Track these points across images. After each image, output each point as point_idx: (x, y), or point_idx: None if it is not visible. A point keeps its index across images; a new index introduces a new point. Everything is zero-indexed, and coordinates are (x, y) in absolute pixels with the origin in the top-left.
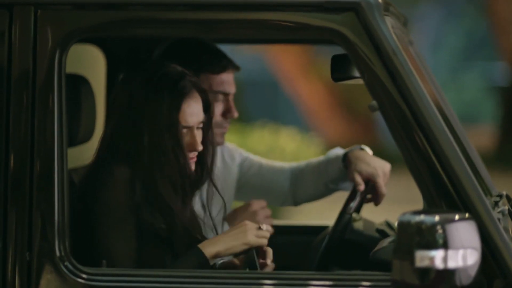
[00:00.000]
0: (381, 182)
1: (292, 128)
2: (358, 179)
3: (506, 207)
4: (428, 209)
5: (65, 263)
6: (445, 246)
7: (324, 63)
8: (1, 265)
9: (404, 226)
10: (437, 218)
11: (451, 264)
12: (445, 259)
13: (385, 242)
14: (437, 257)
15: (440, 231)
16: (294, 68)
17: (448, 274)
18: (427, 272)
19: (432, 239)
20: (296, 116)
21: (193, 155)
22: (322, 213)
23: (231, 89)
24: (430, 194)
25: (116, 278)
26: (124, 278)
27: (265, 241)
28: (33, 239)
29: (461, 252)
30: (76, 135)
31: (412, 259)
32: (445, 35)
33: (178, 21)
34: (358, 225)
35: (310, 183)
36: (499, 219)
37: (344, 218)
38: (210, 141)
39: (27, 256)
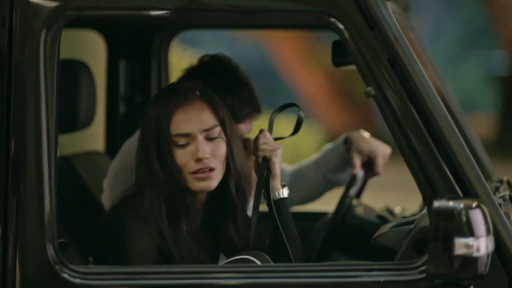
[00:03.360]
0: (380, 161)
1: (291, 116)
2: (358, 160)
3: (507, 193)
4: (453, 196)
5: (55, 257)
6: (483, 233)
7: (323, 51)
8: (1, 253)
9: (442, 214)
10: (474, 205)
11: (483, 251)
12: (481, 246)
13: (386, 228)
14: (474, 245)
15: (479, 218)
16: (293, 55)
17: (482, 261)
18: (466, 260)
19: (469, 226)
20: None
21: (201, 166)
22: (320, 199)
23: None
24: (429, 180)
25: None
26: (110, 276)
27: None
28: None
29: (487, 239)
30: (76, 120)
31: (450, 247)
32: (444, 23)
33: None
34: (358, 210)
35: (308, 179)
36: (500, 205)
37: (345, 203)
38: (233, 156)
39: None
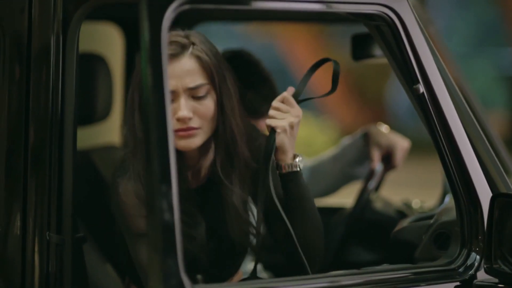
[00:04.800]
0: (399, 155)
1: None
2: (377, 154)
3: None
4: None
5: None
6: None
7: (336, 47)
8: (21, 244)
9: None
10: None
11: None
12: None
13: (406, 222)
14: None
15: None
16: (305, 52)
17: None
18: None
19: None
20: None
21: (182, 126)
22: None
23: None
24: (454, 174)
25: None
26: None
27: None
28: (52, 219)
29: None
30: (92, 114)
31: None
32: (456, 20)
33: None
34: (377, 204)
35: (326, 173)
36: None
37: (364, 197)
38: (224, 117)
39: (47, 236)
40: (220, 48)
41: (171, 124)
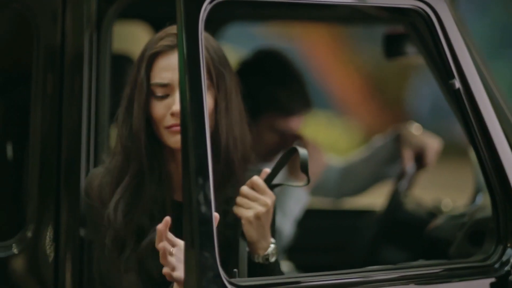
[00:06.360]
0: (431, 155)
1: (323, 115)
2: (409, 154)
3: None
4: None
5: None
6: None
7: (356, 47)
8: (54, 242)
9: None
10: None
11: None
12: None
13: (439, 221)
14: None
15: None
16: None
17: None
18: None
19: None
20: (327, 103)
21: (176, 121)
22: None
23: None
24: (489, 170)
25: None
26: None
27: None
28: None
29: None
30: None
31: None
32: (475, 22)
33: None
34: (409, 204)
35: (357, 175)
36: None
37: (396, 197)
38: (221, 112)
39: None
40: (249, 46)
41: (207, 117)
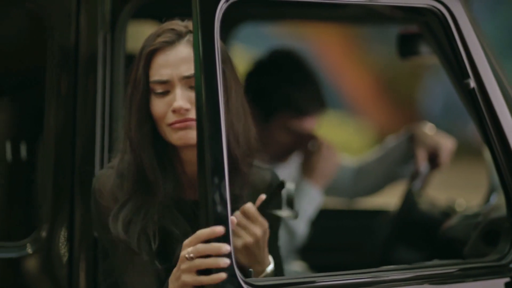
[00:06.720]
0: (445, 155)
1: (337, 115)
2: (423, 154)
3: None
4: None
5: None
6: None
7: (369, 47)
8: (68, 242)
9: None
10: None
11: None
12: None
13: (454, 220)
14: None
15: None
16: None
17: None
18: None
19: None
20: (341, 103)
21: (178, 118)
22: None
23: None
24: (504, 169)
25: None
26: None
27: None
28: None
29: None
30: None
31: None
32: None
33: None
34: (422, 204)
35: (371, 175)
36: None
37: (409, 197)
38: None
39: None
40: (263, 46)
41: (223, 116)
